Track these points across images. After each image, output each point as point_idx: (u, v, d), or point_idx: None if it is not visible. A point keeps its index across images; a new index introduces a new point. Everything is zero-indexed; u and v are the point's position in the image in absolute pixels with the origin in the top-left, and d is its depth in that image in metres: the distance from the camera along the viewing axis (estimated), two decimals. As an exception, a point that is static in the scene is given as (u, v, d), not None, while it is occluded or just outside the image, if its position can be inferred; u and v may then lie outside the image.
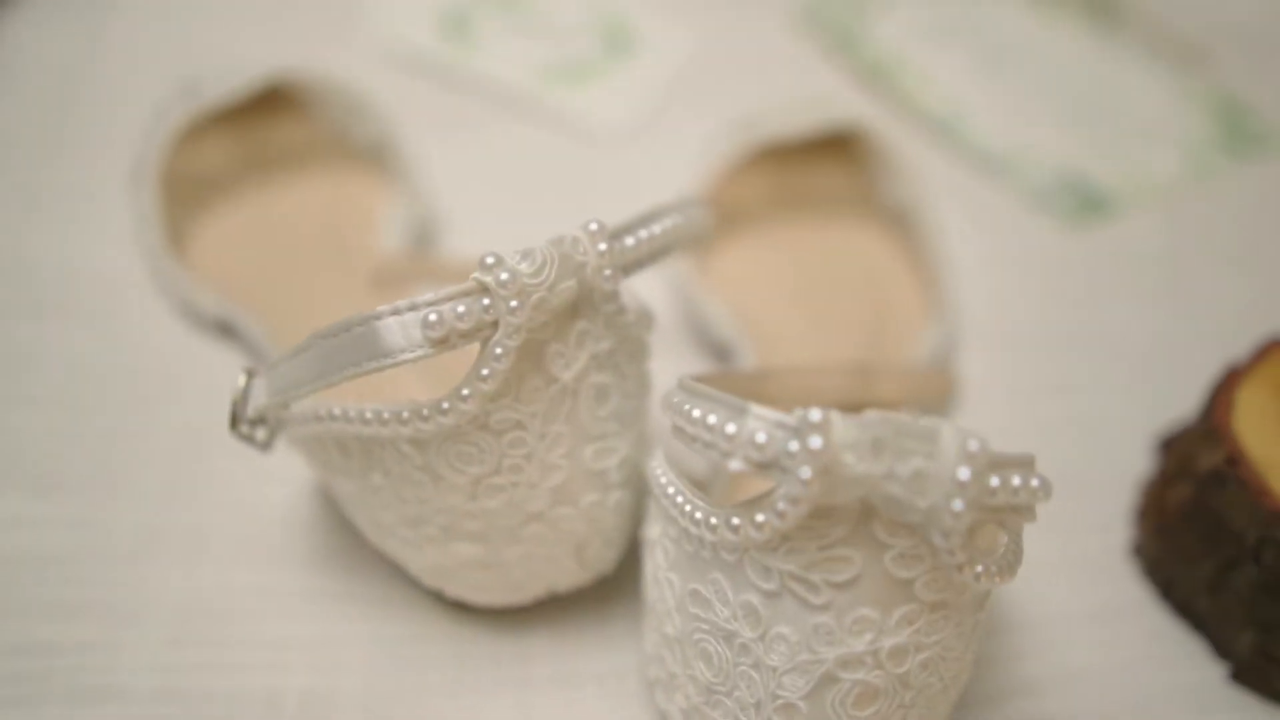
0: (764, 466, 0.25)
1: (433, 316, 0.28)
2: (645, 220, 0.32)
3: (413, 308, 0.28)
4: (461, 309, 0.28)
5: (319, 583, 0.35)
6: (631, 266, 0.31)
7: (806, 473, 0.24)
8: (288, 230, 0.44)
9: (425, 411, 0.29)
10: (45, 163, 0.47)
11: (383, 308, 0.28)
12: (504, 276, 0.28)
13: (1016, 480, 0.26)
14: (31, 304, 0.42)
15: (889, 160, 0.46)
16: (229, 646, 0.33)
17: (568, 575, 0.33)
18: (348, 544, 0.36)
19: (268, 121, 0.47)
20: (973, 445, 0.24)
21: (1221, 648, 0.36)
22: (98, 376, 0.40)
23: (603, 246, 0.30)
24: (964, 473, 0.24)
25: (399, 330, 0.28)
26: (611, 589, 0.35)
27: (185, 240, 0.43)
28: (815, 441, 0.24)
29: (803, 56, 0.58)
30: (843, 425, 0.25)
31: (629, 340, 0.32)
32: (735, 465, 0.26)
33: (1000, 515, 0.26)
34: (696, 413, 0.26)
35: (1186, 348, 0.45)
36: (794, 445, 0.24)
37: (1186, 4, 0.60)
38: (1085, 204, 0.51)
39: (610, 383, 0.31)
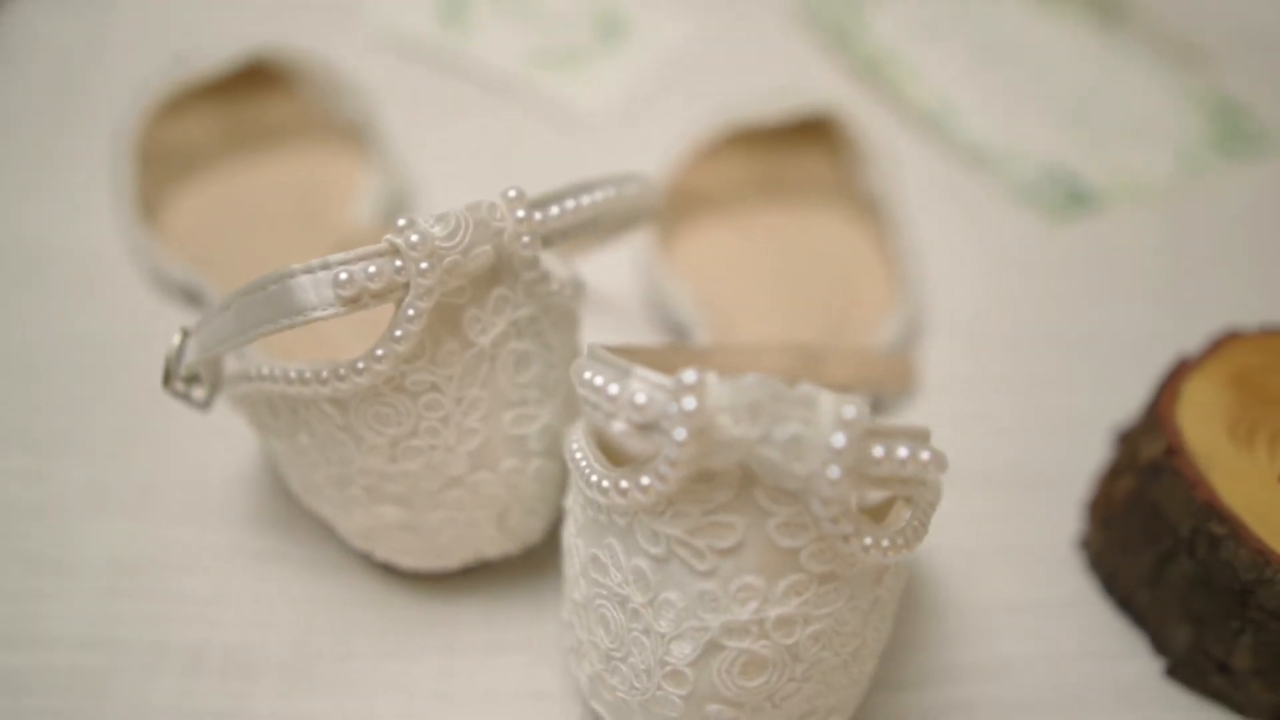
0: (645, 428, 0.25)
1: (343, 275, 0.29)
2: (572, 191, 0.32)
3: (325, 266, 0.29)
4: (373, 269, 0.29)
5: (254, 542, 0.36)
6: (555, 236, 0.32)
7: (681, 434, 0.24)
8: (262, 203, 0.45)
9: (342, 371, 0.30)
10: (42, 139, 0.48)
11: (296, 266, 0.29)
12: (414, 238, 0.29)
13: (903, 451, 0.25)
14: (7, 269, 0.43)
15: (862, 148, 0.46)
16: (160, 600, 0.34)
17: (492, 543, 0.34)
18: (286, 506, 0.37)
19: (253, 98, 0.48)
20: (848, 412, 0.24)
21: (1160, 643, 0.35)
22: (63, 338, 0.41)
23: (520, 213, 0.30)
24: (839, 439, 0.24)
25: (311, 288, 0.29)
26: (542, 559, 0.36)
27: (162, 209, 0.45)
28: (689, 403, 0.24)
29: (797, 50, 0.57)
30: (719, 388, 0.25)
31: (553, 309, 0.32)
32: (618, 427, 0.26)
33: (888, 486, 0.26)
34: (587, 375, 0.27)
35: (1164, 345, 0.44)
36: (672, 407, 0.25)
37: (1190, 5, 0.59)
38: (1071, 199, 0.50)
39: (531, 350, 0.32)
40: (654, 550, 0.27)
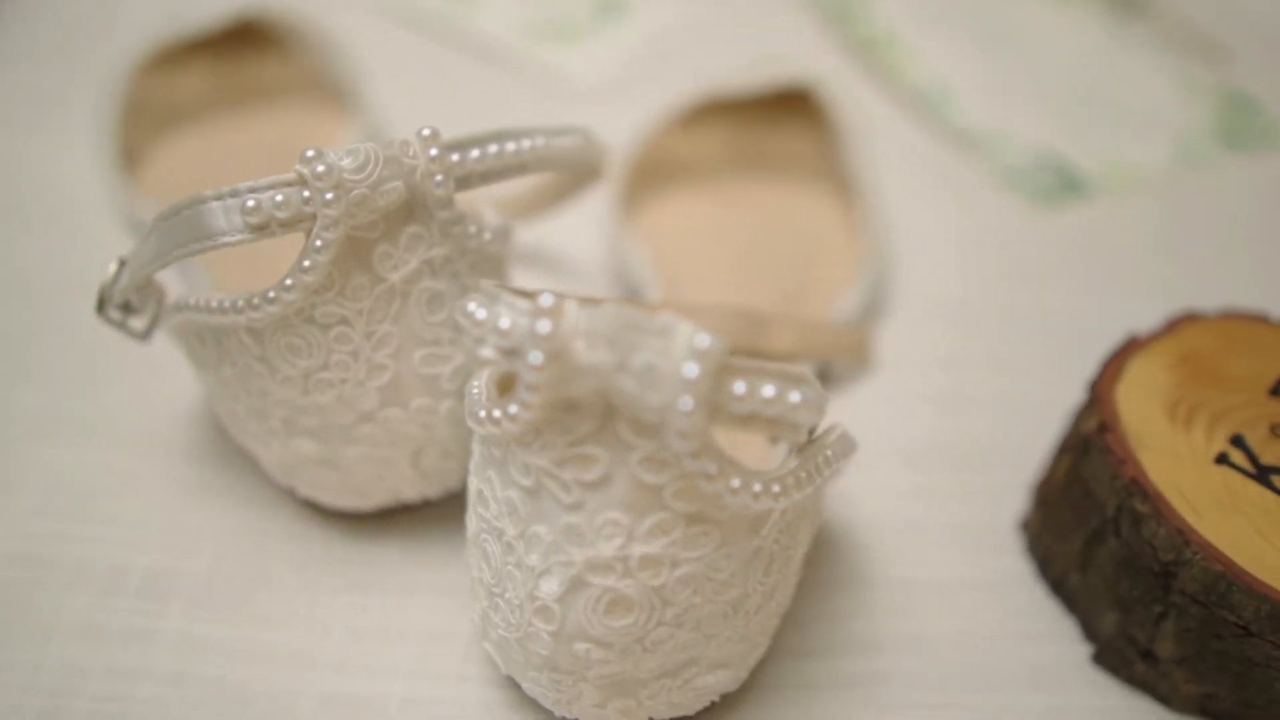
0: (509, 353, 0.25)
1: (251, 203, 0.29)
2: (496, 137, 0.32)
3: (234, 194, 0.30)
4: (280, 198, 0.29)
5: (185, 474, 0.37)
6: (472, 179, 0.32)
7: (537, 357, 0.24)
8: (242, 157, 0.47)
9: (255, 300, 0.30)
10: (46, 86, 0.51)
11: (208, 192, 0.30)
12: (320, 169, 0.29)
13: (768, 390, 0.25)
14: None
15: (841, 124, 0.45)
16: (87, 522, 0.35)
17: (409, 484, 0.34)
18: (219, 440, 0.37)
19: (247, 57, 0.49)
20: (702, 342, 0.24)
21: (1089, 629, 0.33)
22: (31, 273, 0.42)
23: (433, 152, 0.30)
24: (691, 369, 0.24)
25: (221, 214, 0.30)
26: (462, 505, 0.35)
27: (145, 158, 0.46)
28: (543, 326, 0.24)
29: (796, 28, 0.57)
30: (576, 313, 0.24)
31: (471, 252, 0.32)
32: (485, 353, 0.26)
33: (753, 425, 0.25)
34: (463, 303, 0.27)
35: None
36: (529, 330, 0.24)
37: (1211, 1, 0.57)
38: (1061, 185, 0.49)
39: (446, 290, 0.32)
40: (525, 482, 0.27)
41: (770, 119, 0.48)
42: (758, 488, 0.26)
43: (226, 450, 0.37)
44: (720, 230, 0.45)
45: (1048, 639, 0.34)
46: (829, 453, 0.29)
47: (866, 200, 0.44)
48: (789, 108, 0.48)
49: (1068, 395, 0.40)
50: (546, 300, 0.24)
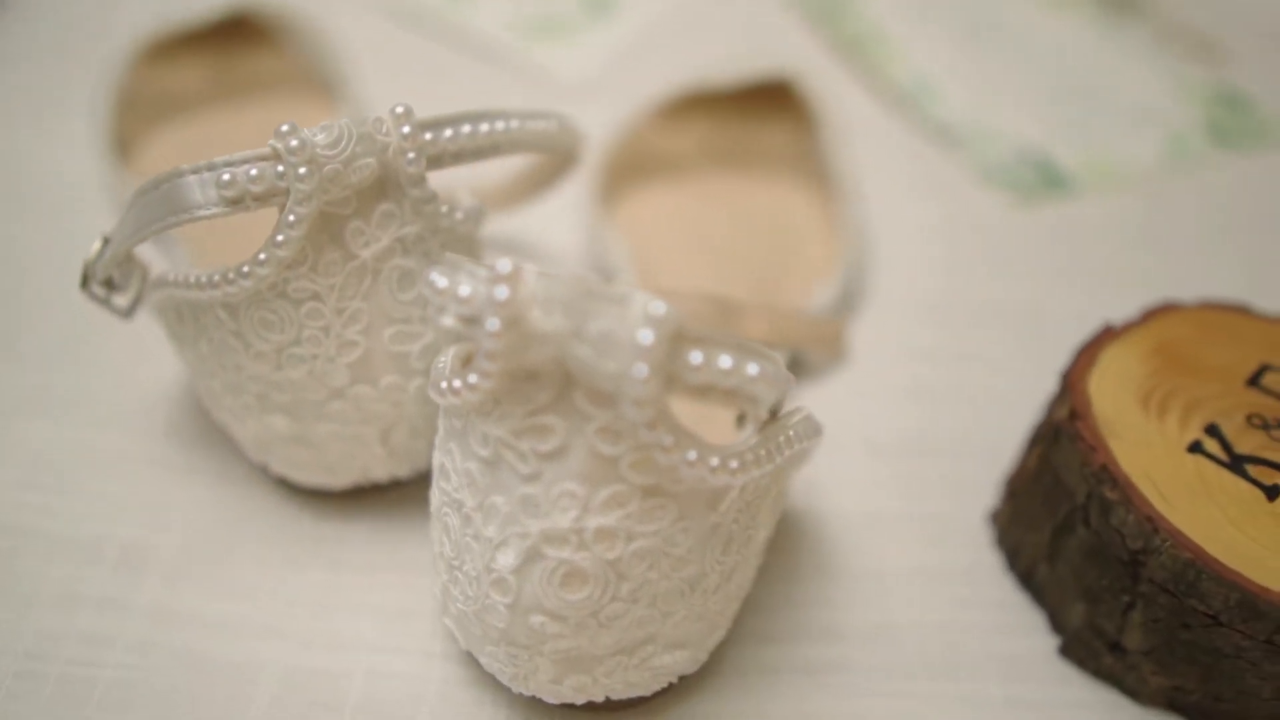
0: (470, 321, 0.25)
1: (226, 176, 0.30)
2: (469, 117, 0.32)
3: (210, 168, 0.30)
4: (254, 172, 0.30)
5: (165, 451, 0.37)
6: (445, 158, 0.32)
7: (494, 324, 0.24)
8: (233, 148, 0.47)
9: (230, 275, 0.31)
10: (49, 78, 0.52)
11: (185, 166, 0.30)
12: (294, 143, 0.29)
13: (725, 361, 0.25)
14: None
15: (820, 118, 0.46)
16: (69, 496, 0.35)
17: (379, 462, 0.34)
18: (198, 419, 0.38)
19: (242, 50, 0.50)
20: (657, 309, 0.24)
21: (1057, 621, 0.33)
22: (22, 255, 0.43)
23: (406, 129, 0.31)
24: (646, 336, 0.24)
25: (197, 188, 0.30)
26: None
27: (138, 148, 0.47)
28: (501, 292, 0.24)
29: (783, 25, 0.58)
30: (534, 281, 0.25)
31: (443, 231, 0.32)
32: (447, 321, 0.26)
33: (710, 397, 0.26)
34: (425, 272, 0.27)
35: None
36: (488, 297, 0.25)
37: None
38: (1043, 181, 0.49)
39: (417, 269, 0.32)
40: (483, 452, 0.27)
41: (750, 113, 0.48)
42: (715, 462, 0.26)
43: (205, 428, 0.38)
44: (699, 223, 0.45)
45: (1015, 631, 0.34)
46: (791, 433, 0.29)
47: (845, 194, 0.44)
48: (769, 102, 0.48)
49: (1046, 390, 0.40)
50: (504, 266, 0.24)
